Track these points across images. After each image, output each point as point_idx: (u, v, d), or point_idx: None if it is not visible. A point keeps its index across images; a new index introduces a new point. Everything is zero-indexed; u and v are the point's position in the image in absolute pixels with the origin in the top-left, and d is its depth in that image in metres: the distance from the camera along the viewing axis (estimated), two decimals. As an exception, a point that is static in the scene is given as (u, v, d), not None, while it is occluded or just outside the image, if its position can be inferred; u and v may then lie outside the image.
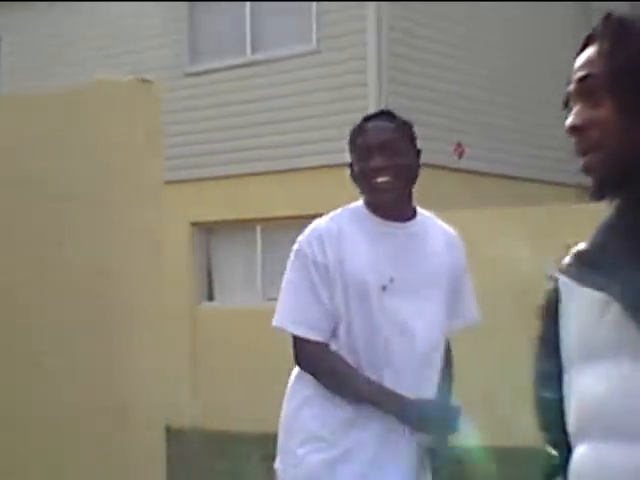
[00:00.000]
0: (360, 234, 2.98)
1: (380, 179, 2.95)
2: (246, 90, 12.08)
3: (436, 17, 11.91)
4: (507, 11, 12.76)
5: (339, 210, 3.08)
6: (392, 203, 2.99)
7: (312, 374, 2.95)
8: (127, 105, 4.41)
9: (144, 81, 4.46)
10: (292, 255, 3.00)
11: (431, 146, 11.60)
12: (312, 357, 2.95)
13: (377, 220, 3.00)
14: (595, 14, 13.36)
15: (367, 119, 3.10)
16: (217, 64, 12.37)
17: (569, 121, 1.56)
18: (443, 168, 11.69)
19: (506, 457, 9.03)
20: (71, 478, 4.47)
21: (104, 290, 4.32)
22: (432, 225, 3.14)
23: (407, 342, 2.95)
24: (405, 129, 3.09)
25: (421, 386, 2.99)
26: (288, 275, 3.00)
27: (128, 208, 4.26)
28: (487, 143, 12.38)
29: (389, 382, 2.92)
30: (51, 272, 4.53)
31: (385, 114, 3.12)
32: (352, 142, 3.09)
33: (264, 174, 11.40)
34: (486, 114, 12.41)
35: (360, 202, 3.06)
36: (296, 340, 2.96)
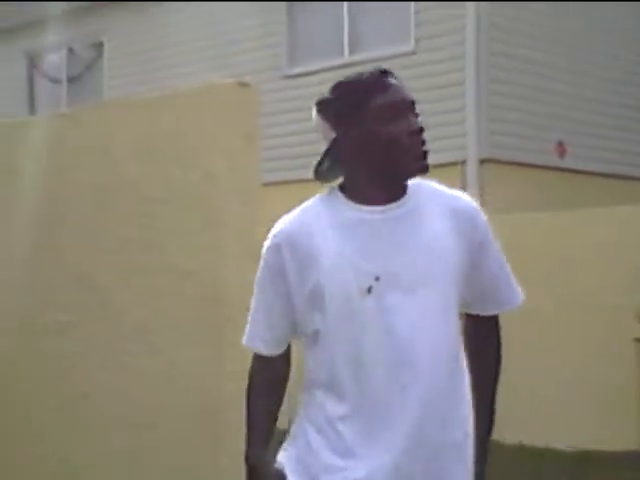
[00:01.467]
0: (338, 227, 2.44)
1: (420, 141, 2.47)
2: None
3: (536, 14, 11.73)
4: (608, 8, 12.51)
5: (310, 201, 2.53)
6: (425, 168, 2.48)
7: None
8: (225, 108, 4.42)
9: (242, 84, 4.47)
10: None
11: (532, 145, 11.47)
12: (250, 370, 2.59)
13: (358, 207, 2.44)
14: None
15: (375, 74, 2.50)
16: (315, 66, 12.39)
17: None
18: (544, 168, 11.53)
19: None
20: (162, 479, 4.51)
21: (200, 293, 4.34)
22: (428, 196, 2.54)
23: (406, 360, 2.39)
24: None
25: (440, 417, 2.41)
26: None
27: (225, 211, 4.27)
28: (590, 141, 12.15)
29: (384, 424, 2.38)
30: (146, 275, 4.57)
31: (390, 72, 2.53)
32: (363, 100, 2.47)
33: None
34: (588, 112, 12.19)
35: (330, 190, 2.52)
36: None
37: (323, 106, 2.52)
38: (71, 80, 15.61)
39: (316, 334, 2.42)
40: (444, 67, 11.40)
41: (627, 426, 9.53)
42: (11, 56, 16.02)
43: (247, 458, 2.49)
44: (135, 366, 4.57)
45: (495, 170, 11.14)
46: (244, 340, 2.57)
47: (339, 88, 2.51)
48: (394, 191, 2.48)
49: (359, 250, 2.40)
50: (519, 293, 2.68)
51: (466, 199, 2.60)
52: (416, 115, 2.51)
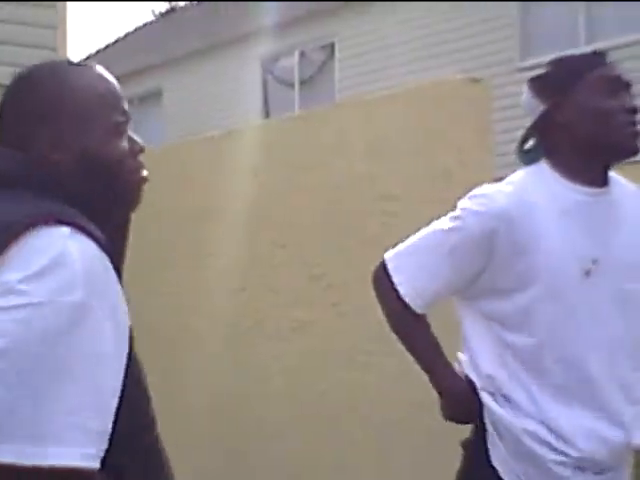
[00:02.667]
0: (555, 206, 2.36)
1: (633, 123, 2.38)
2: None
3: None
4: None
5: (518, 176, 2.44)
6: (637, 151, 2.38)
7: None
8: (457, 104, 4.37)
9: (473, 80, 4.41)
10: (457, 213, 2.43)
11: None
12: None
13: (572, 186, 2.38)
14: None
15: (593, 52, 2.50)
16: (549, 57, 12.08)
17: None
18: None
19: None
20: (401, 473, 4.49)
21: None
22: (626, 192, 2.49)
23: (606, 351, 2.36)
24: None
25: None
26: (438, 227, 2.46)
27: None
28: None
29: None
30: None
31: (606, 56, 2.49)
32: (582, 74, 2.42)
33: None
34: None
35: (538, 166, 2.44)
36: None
37: (537, 80, 2.49)
38: (303, 83, 15.93)
39: (523, 312, 2.33)
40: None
41: None
42: (246, 62, 16.52)
43: (452, 386, 2.45)
44: (373, 364, 4.59)
45: None
46: (399, 280, 2.47)
47: (556, 63, 2.49)
48: (600, 174, 2.41)
49: (578, 232, 2.34)
50: None
51: None
52: (632, 96, 2.44)
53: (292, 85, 16.06)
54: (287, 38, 15.38)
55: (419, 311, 2.45)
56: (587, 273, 2.32)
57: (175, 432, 5.59)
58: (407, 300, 2.44)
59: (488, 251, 2.33)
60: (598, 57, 2.47)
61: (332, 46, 15.27)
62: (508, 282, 2.34)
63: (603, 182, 2.42)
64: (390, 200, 4.55)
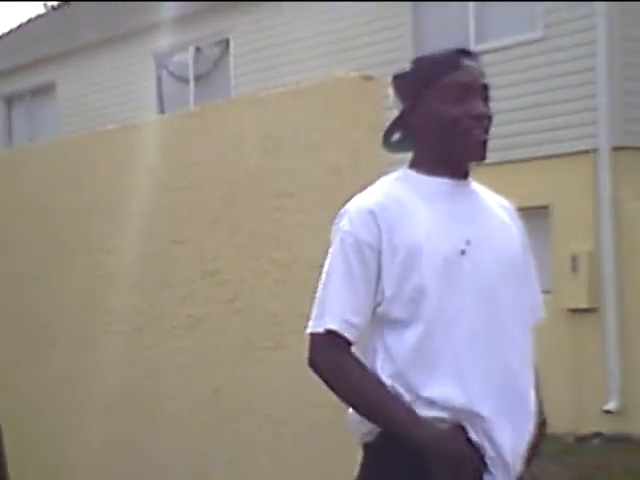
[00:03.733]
0: (420, 196, 2.44)
1: (481, 127, 2.45)
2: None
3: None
4: None
5: (381, 181, 2.52)
6: (483, 155, 2.48)
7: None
8: (350, 101, 4.41)
9: (366, 77, 4.45)
10: (334, 239, 2.46)
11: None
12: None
13: (435, 180, 2.46)
14: None
15: (452, 54, 2.51)
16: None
17: None
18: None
19: None
20: (296, 469, 4.52)
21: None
22: (481, 187, 2.60)
23: (494, 322, 2.42)
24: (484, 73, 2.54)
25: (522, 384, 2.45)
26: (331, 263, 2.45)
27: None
28: None
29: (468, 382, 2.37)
30: (275, 269, 4.60)
31: (470, 53, 2.54)
32: (433, 78, 2.46)
33: (491, 165, 11.18)
34: None
35: (400, 170, 2.52)
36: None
37: (395, 80, 2.55)
38: (198, 78, 15.86)
39: (409, 304, 2.36)
40: (574, 53, 11.16)
41: None
42: (140, 56, 16.37)
43: (410, 425, 2.32)
44: (268, 361, 4.60)
45: (629, 158, 10.85)
46: (329, 325, 2.38)
47: (415, 63, 2.53)
48: (458, 172, 2.49)
49: (447, 216, 2.43)
50: (542, 309, 2.65)
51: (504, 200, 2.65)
52: (485, 100, 2.49)
53: (187, 81, 15.97)
54: (182, 33, 15.28)
55: (356, 340, 2.41)
56: (463, 252, 2.39)
57: (70, 430, 5.54)
58: (344, 333, 2.39)
59: (377, 255, 2.38)
60: (454, 59, 2.49)
61: (227, 42, 15.24)
62: (395, 274, 2.38)
63: (463, 176, 2.52)
64: (284, 197, 4.57)
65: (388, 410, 2.36)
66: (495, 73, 11.76)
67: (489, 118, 2.49)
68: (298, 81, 10.54)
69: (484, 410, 2.35)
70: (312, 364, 2.43)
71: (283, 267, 4.56)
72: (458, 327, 2.37)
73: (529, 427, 2.44)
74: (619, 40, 10.85)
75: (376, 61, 11.94)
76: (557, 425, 9.20)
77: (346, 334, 2.38)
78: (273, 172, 4.67)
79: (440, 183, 2.46)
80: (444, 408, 2.34)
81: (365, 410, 2.39)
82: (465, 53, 2.52)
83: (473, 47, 12.11)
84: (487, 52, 11.93)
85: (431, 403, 2.34)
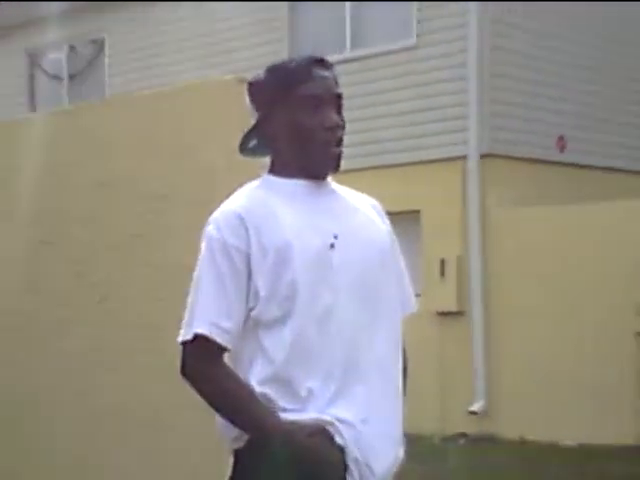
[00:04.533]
0: (283, 198, 2.46)
1: (335, 138, 2.46)
2: (345, 86, 12.06)
3: (538, 9, 11.72)
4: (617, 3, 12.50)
5: (245, 186, 2.54)
6: (338, 166, 2.51)
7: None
8: (224, 104, 4.44)
9: (241, 80, 4.48)
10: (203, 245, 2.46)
11: (533, 140, 11.48)
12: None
13: (297, 182, 2.48)
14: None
15: (304, 64, 2.50)
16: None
17: None
18: (545, 162, 11.54)
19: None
20: (167, 473, 4.52)
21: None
22: (343, 187, 2.62)
23: (366, 316, 2.46)
24: (337, 82, 2.55)
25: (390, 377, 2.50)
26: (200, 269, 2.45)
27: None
28: (589, 136, 12.15)
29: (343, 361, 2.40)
30: (148, 271, 4.59)
31: (324, 62, 2.53)
32: (286, 88, 2.47)
33: (359, 170, 11.34)
34: (588, 105, 12.19)
35: (261, 177, 2.54)
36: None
37: (250, 87, 2.55)
38: (72, 77, 15.62)
39: (284, 302, 2.37)
40: (446, 62, 11.41)
41: (624, 420, 9.55)
42: (12, 54, 16.03)
43: (271, 428, 2.33)
44: (139, 363, 4.59)
45: (496, 165, 11.14)
46: (198, 329, 2.36)
47: (269, 72, 2.53)
48: (320, 175, 2.51)
49: (312, 213, 2.46)
50: (414, 302, 2.71)
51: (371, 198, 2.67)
52: (339, 110, 2.51)
53: (61, 79, 15.70)
54: (56, 31, 15.02)
55: (228, 345, 2.40)
56: (332, 246, 2.42)
57: None
58: (215, 338, 2.38)
59: (246, 258, 2.39)
60: (307, 69, 2.48)
61: (102, 41, 15.05)
62: (267, 274, 2.39)
63: (323, 177, 2.53)
64: (156, 199, 4.56)
65: (251, 413, 2.36)
66: (369, 79, 11.96)
67: (342, 127, 2.51)
68: (173, 82, 10.49)
69: (342, 412, 2.37)
70: (182, 371, 2.42)
71: (156, 269, 4.55)
72: (330, 323, 2.39)
73: (397, 427, 2.49)
74: (489, 50, 11.14)
75: (253, 64, 11.96)
76: (424, 426, 9.33)
77: (218, 339, 2.37)
78: (147, 173, 4.65)
79: (300, 184, 2.48)
80: (317, 407, 2.37)
81: (229, 414, 2.39)
82: (319, 62, 2.52)
83: (349, 52, 12.28)
84: (362, 58, 12.12)
85: (305, 402, 2.37)
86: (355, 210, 2.56)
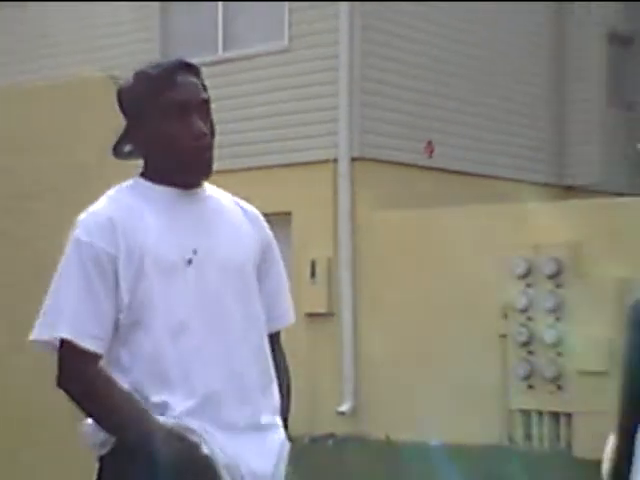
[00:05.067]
0: (151, 206, 2.43)
1: (203, 145, 2.45)
2: (217, 87, 12.05)
3: (409, 16, 11.94)
4: (481, 10, 12.81)
5: (113, 190, 2.50)
6: (209, 173, 2.51)
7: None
8: (96, 101, 4.39)
9: (112, 77, 4.44)
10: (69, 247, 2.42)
11: (403, 144, 11.67)
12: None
13: (166, 189, 2.47)
14: (569, 15, 13.46)
15: (169, 70, 2.45)
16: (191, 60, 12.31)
17: None
18: (415, 166, 11.74)
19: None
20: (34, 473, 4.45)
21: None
22: (222, 194, 2.61)
23: (224, 332, 2.45)
24: (205, 87, 2.53)
25: (255, 392, 2.49)
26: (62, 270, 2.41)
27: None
28: (457, 141, 12.42)
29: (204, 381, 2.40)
30: (18, 269, 4.51)
31: (190, 66, 2.50)
32: (151, 96, 2.43)
33: (231, 172, 11.32)
34: (457, 112, 12.46)
35: (132, 179, 2.52)
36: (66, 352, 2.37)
37: (118, 94, 2.53)
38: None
39: (139, 309, 2.36)
40: (317, 66, 11.50)
41: (489, 420, 9.79)
42: None
43: (147, 431, 2.30)
44: (5, 362, 4.50)
45: (367, 168, 11.29)
46: (68, 335, 2.32)
47: (134, 78, 2.50)
48: (191, 183, 2.50)
49: (175, 224, 2.43)
50: (292, 313, 2.72)
51: (252, 206, 2.67)
52: (206, 117, 2.49)
53: None
54: None
55: (99, 350, 2.36)
56: (189, 261, 2.40)
57: None
58: (87, 346, 2.34)
59: (115, 263, 2.37)
60: (172, 75, 2.44)
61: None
62: (130, 280, 2.38)
63: (195, 184, 2.51)
64: (28, 197, 4.48)
65: (124, 414, 2.34)
66: (241, 81, 11.97)
67: (211, 133, 2.49)
68: (44, 78, 10.30)
69: (202, 425, 2.37)
70: (58, 380, 2.39)
71: (26, 268, 4.47)
72: (185, 336, 2.38)
73: (265, 446, 2.48)
74: (360, 55, 11.27)
75: (126, 61, 11.84)
76: (293, 427, 9.36)
77: (87, 345, 2.34)
78: (17, 171, 4.56)
79: (170, 192, 2.46)
80: (173, 416, 2.36)
81: (101, 416, 2.37)
82: (184, 67, 2.48)
83: (221, 54, 12.26)
84: (234, 59, 12.12)
85: (162, 412, 2.36)
86: (223, 222, 2.54)
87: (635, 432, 1.60)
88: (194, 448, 2.34)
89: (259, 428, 2.48)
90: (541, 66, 13.97)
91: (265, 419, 2.51)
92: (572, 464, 8.38)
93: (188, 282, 2.40)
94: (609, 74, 14.49)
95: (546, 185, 13.63)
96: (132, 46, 12.67)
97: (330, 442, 10.47)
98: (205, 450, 2.35)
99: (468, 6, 12.63)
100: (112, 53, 12.56)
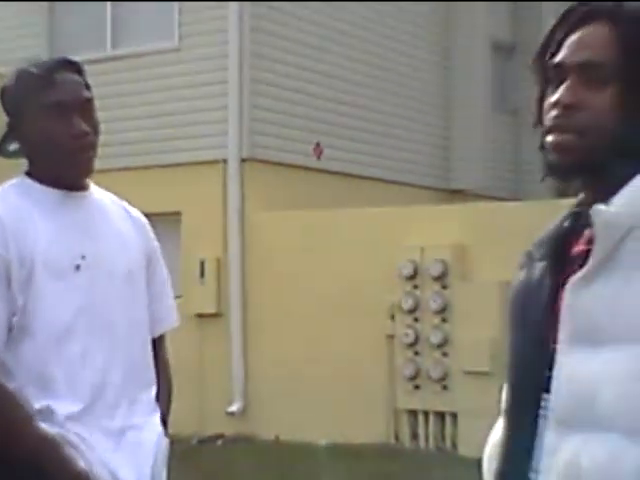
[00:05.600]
0: (37, 209, 2.41)
1: (83, 145, 2.44)
2: (105, 85, 11.93)
3: (298, 18, 12.00)
4: (370, 15, 12.95)
5: (2, 190, 2.48)
6: (90, 172, 2.50)
7: None
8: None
9: None
10: None
11: (292, 146, 11.73)
12: None
13: (52, 191, 2.45)
14: (455, 24, 13.72)
15: (50, 69, 2.44)
16: (76, 59, 12.12)
17: (560, 96, 1.53)
18: (304, 168, 11.80)
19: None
20: None
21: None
22: (109, 197, 2.62)
23: (108, 338, 2.45)
24: (88, 85, 2.51)
25: (131, 396, 2.48)
26: None
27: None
28: (345, 144, 12.53)
29: (86, 387, 2.39)
30: None
31: (72, 64, 2.50)
32: (31, 95, 2.41)
33: (121, 170, 11.20)
34: (346, 116, 12.57)
35: (18, 178, 2.50)
36: None
37: (0, 92, 2.51)
38: None
39: (26, 314, 2.34)
40: (207, 66, 11.47)
41: (377, 420, 9.90)
42: None
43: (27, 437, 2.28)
44: None
45: (256, 169, 11.30)
46: None
47: (16, 78, 2.48)
48: (75, 182, 2.50)
49: (63, 229, 2.42)
50: (175, 316, 2.75)
51: (138, 212, 2.68)
52: (88, 116, 2.47)
53: None
54: None
55: None
56: (77, 267, 2.40)
57: None
58: None
59: (7, 265, 2.34)
60: (48, 76, 2.42)
61: None
62: (21, 283, 2.35)
63: (81, 187, 2.51)
64: None
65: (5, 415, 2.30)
66: (130, 79, 11.86)
67: (95, 132, 2.48)
68: None
69: (85, 430, 2.36)
70: None
71: None
72: (70, 342, 2.37)
73: (142, 448, 2.48)
74: (249, 56, 11.27)
75: (11, 58, 11.61)
76: (182, 428, 9.30)
77: None
78: None
79: (56, 194, 2.45)
80: (55, 422, 2.34)
81: None
82: (66, 65, 2.47)
83: (109, 51, 12.13)
84: (123, 57, 12.00)
85: (45, 418, 2.33)
86: (110, 226, 2.54)
87: (530, 427, 1.57)
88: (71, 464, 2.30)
89: (135, 428, 2.48)
90: (428, 72, 14.21)
91: (142, 420, 2.51)
92: (458, 463, 8.53)
93: (75, 288, 2.40)
94: (494, 81, 14.83)
95: (432, 188, 13.86)
96: (18, 41, 12.43)
97: (219, 442, 10.46)
98: (82, 465, 2.32)
99: (358, 11, 12.76)
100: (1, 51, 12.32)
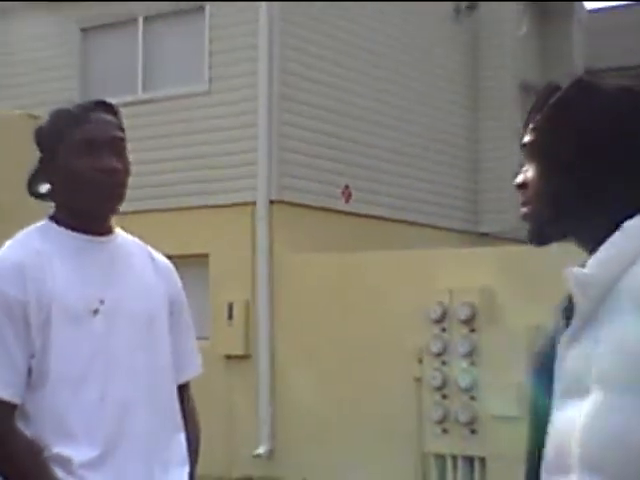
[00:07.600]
0: (60, 253, 2.42)
1: (113, 181, 2.45)
2: (137, 128, 12.03)
3: (326, 60, 12.07)
4: (395, 55, 13.01)
5: (22, 234, 2.48)
6: (115, 210, 2.51)
7: None
8: (13, 140, 4.36)
9: (32, 116, 4.42)
10: None
11: (320, 188, 11.76)
12: None
13: (75, 235, 2.46)
14: (481, 57, 13.69)
15: (84, 108, 2.48)
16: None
17: (517, 178, 1.73)
18: (332, 211, 11.82)
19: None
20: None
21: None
22: (134, 242, 2.62)
23: (130, 384, 2.44)
24: (122, 127, 2.54)
25: (157, 449, 2.46)
26: None
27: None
28: (374, 187, 12.55)
29: (106, 440, 2.37)
30: None
31: (107, 105, 2.53)
32: (63, 133, 2.45)
33: (149, 212, 11.27)
34: (373, 158, 12.60)
35: (43, 222, 2.51)
36: None
37: (35, 131, 2.54)
38: None
39: (44, 358, 2.34)
40: (237, 109, 11.55)
41: (406, 464, 9.79)
42: None
43: None
44: None
45: (285, 212, 11.33)
46: None
47: (50, 116, 2.52)
48: (95, 226, 2.50)
49: (83, 273, 2.42)
50: (199, 363, 2.73)
51: (166, 259, 2.67)
52: (120, 155, 2.49)
53: None
54: None
55: (14, 399, 2.33)
56: (95, 312, 2.39)
57: None
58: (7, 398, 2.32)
59: (25, 309, 2.34)
60: (85, 113, 2.46)
61: None
62: (39, 328, 2.35)
63: (106, 231, 2.52)
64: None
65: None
66: (160, 122, 11.95)
67: (125, 171, 2.49)
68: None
69: (108, 475, 2.35)
70: None
71: None
72: (87, 388, 2.36)
73: None
74: (278, 98, 11.35)
75: (44, 100, 11.75)
76: (211, 470, 9.26)
77: (7, 398, 2.32)
78: None
79: (79, 238, 2.46)
80: (71, 471, 2.32)
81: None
82: (101, 106, 2.50)
83: (140, 95, 12.24)
84: (154, 100, 12.11)
85: (61, 465, 2.32)
86: (132, 272, 2.53)
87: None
88: None
89: (159, 477, 2.46)
90: (457, 115, 14.24)
91: (168, 472, 2.49)
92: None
93: (93, 332, 2.38)
94: (522, 122, 14.79)
95: (461, 231, 13.84)
96: (51, 84, 12.59)
97: (246, 485, 10.40)
98: None
99: (386, 53, 12.83)
100: (30, 90, 12.47)
